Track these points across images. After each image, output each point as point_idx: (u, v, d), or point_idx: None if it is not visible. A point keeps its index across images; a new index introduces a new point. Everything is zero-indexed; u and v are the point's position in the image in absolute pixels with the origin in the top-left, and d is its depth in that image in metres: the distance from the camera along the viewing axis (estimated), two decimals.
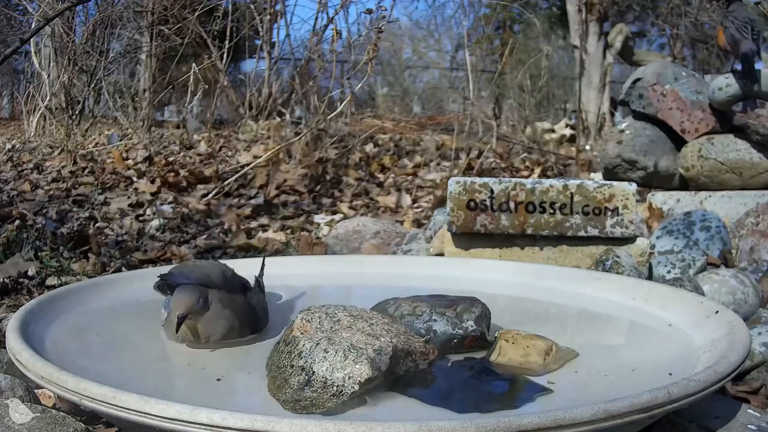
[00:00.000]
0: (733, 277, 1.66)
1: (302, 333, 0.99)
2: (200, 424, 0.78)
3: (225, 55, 5.08)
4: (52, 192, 3.15)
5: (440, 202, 2.93)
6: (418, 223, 2.81)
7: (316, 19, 5.02)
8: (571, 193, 1.73)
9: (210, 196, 3.15)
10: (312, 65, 4.85)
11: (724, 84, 2.28)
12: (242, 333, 1.16)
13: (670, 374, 1.04)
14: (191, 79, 4.68)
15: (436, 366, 1.03)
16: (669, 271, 1.74)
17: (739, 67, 2.25)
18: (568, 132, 6.05)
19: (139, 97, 5.06)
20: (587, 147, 5.33)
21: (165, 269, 1.46)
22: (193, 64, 4.72)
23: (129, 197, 3.08)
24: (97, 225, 2.65)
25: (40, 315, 1.17)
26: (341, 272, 1.60)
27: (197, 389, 1.00)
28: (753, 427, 1.04)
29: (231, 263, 1.49)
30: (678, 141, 2.45)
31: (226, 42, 5.04)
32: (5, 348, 1.05)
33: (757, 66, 2.27)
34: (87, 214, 2.78)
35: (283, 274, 1.54)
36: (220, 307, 1.13)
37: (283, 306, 1.38)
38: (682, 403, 0.86)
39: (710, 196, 2.35)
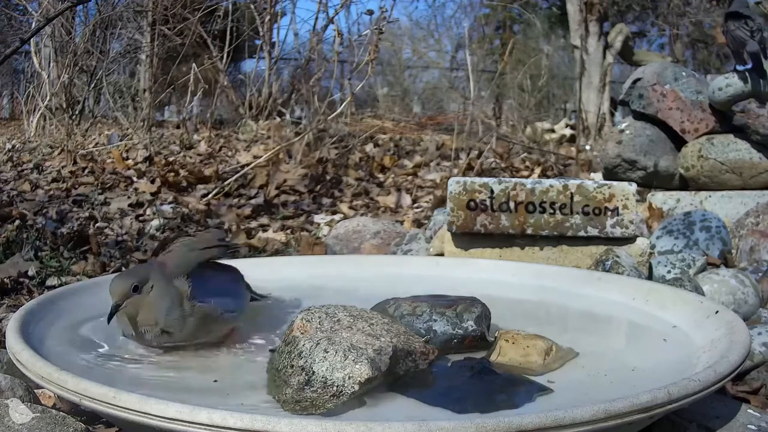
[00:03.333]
0: (733, 277, 1.66)
1: (302, 333, 0.99)
2: (200, 424, 0.78)
3: (225, 56, 5.08)
4: (52, 192, 3.15)
5: (440, 202, 2.93)
6: (418, 223, 2.81)
7: (316, 19, 5.03)
8: (571, 193, 1.73)
9: (210, 196, 3.15)
10: (312, 65, 4.85)
11: (724, 84, 2.28)
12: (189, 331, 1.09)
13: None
14: (191, 80, 4.68)
15: (436, 366, 1.03)
16: (669, 271, 1.74)
17: (741, 67, 2.25)
18: (568, 132, 6.06)
19: (140, 97, 5.06)
20: (587, 147, 5.33)
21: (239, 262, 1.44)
22: (194, 65, 4.72)
23: (129, 197, 3.08)
24: (97, 225, 2.65)
25: (40, 315, 1.17)
26: (341, 272, 1.60)
27: (197, 389, 1.00)
28: (753, 427, 1.04)
29: (230, 263, 1.49)
30: (678, 141, 2.45)
31: (227, 42, 5.04)
32: (5, 348, 1.05)
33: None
34: (87, 214, 2.78)
35: (283, 274, 1.54)
36: (161, 292, 1.06)
37: (283, 306, 1.38)
38: (682, 403, 0.86)
39: (710, 196, 2.35)
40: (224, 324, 1.15)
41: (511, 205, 1.75)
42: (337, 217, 2.96)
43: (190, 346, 1.13)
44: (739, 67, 2.25)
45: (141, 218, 2.80)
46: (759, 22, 2.21)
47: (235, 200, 3.17)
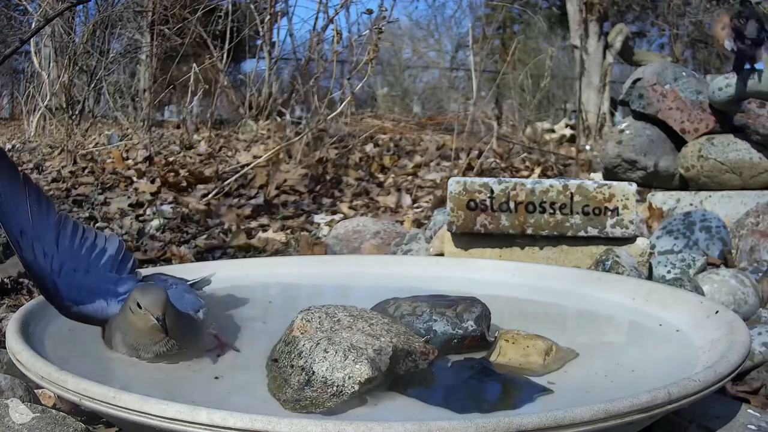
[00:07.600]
0: (733, 277, 1.66)
1: (302, 333, 0.99)
2: (200, 424, 0.78)
3: (225, 55, 5.08)
4: (52, 192, 3.15)
5: (440, 202, 2.93)
6: (418, 223, 2.81)
7: (316, 19, 5.03)
8: (571, 193, 1.73)
9: (210, 196, 3.15)
10: (312, 65, 4.85)
11: (724, 84, 2.28)
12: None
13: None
14: (191, 80, 4.68)
15: (436, 366, 1.03)
16: (669, 271, 1.74)
17: (748, 66, 2.24)
18: (568, 132, 6.05)
19: (140, 97, 5.06)
20: (587, 147, 5.33)
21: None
22: (194, 64, 4.72)
23: (129, 197, 3.08)
24: (97, 225, 2.65)
25: (40, 315, 1.17)
26: (341, 272, 1.60)
27: (197, 389, 1.00)
28: (753, 427, 1.04)
29: (229, 263, 1.49)
30: (678, 141, 2.45)
31: (227, 42, 5.04)
32: (5, 348, 1.05)
33: (759, 66, 2.26)
34: (87, 214, 2.78)
35: (283, 274, 1.54)
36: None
37: (283, 306, 1.38)
38: (682, 403, 0.86)
39: (710, 196, 2.35)
40: (203, 325, 1.13)
41: (511, 205, 1.75)
42: (337, 217, 2.96)
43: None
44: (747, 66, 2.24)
45: (141, 218, 2.80)
46: (745, 18, 2.19)
47: (235, 200, 3.17)
